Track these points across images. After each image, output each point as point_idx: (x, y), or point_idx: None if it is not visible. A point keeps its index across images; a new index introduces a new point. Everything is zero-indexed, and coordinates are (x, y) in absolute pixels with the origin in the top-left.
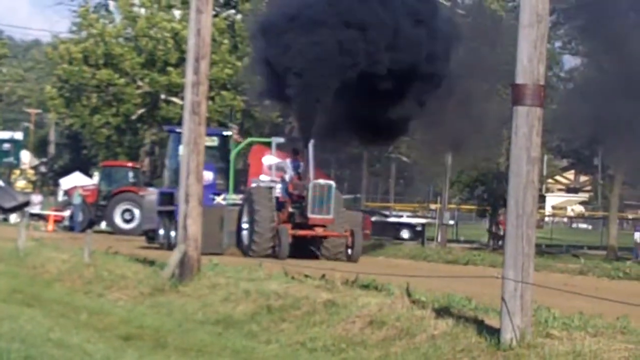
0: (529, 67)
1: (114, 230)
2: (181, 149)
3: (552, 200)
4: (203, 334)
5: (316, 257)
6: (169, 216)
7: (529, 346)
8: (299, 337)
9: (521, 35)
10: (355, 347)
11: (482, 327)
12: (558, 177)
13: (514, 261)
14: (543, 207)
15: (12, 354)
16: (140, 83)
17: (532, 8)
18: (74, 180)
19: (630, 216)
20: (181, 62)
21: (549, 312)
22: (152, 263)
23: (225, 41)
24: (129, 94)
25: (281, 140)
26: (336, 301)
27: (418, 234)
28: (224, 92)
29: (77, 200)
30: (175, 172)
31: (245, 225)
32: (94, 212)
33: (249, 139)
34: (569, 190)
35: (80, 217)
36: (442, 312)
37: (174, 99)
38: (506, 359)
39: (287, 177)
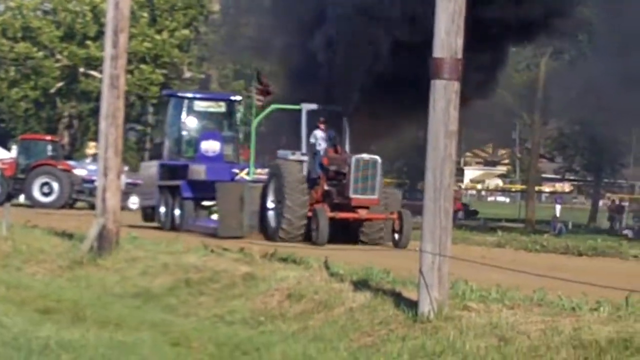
0: (446, 41)
1: (33, 204)
2: (184, 115)
3: (470, 173)
4: (121, 308)
5: (355, 242)
6: (172, 192)
7: (447, 318)
8: (218, 311)
9: (439, 8)
10: (273, 320)
11: (400, 300)
12: (476, 151)
13: (432, 234)
14: (461, 181)
15: None
16: (59, 56)
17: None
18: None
19: (547, 189)
20: (100, 35)
21: (466, 284)
22: (70, 236)
23: (145, 14)
24: (48, 67)
25: (313, 106)
26: (255, 274)
27: None
28: (143, 66)
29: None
30: (177, 142)
31: (271, 205)
32: (12, 186)
33: (273, 106)
34: (487, 163)
35: (6, 191)
36: (361, 285)
37: (93, 73)
38: (424, 331)
39: (321, 150)
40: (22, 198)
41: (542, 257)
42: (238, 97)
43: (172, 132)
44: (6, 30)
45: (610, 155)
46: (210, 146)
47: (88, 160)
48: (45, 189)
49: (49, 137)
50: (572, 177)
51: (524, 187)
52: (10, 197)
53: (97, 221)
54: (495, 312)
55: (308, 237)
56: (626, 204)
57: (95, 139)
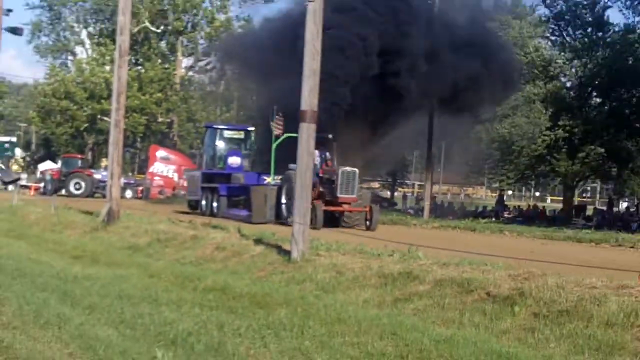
0: (308, 100)
1: (69, 195)
2: (216, 140)
3: None
4: (120, 255)
5: (337, 226)
6: (212, 191)
7: (307, 261)
8: (176, 256)
9: (304, 82)
10: (208, 262)
11: (281, 250)
12: None
13: (299, 213)
14: None
15: (8, 267)
16: (85, 109)
17: (309, 65)
18: (46, 165)
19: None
20: (109, 96)
21: (319, 241)
22: (91, 214)
23: (135, 84)
24: (79, 115)
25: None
26: (198, 235)
27: None
28: (134, 114)
29: (48, 177)
30: (212, 157)
31: (284, 201)
32: (58, 184)
33: (286, 135)
34: None
35: (49, 187)
36: (258, 241)
37: (105, 118)
38: (294, 268)
39: (317, 164)
40: (63, 191)
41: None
42: (252, 128)
43: (208, 151)
44: (55, 93)
45: (401, 166)
46: (234, 160)
47: (102, 169)
48: (77, 186)
49: (79, 156)
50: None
51: None
52: (56, 191)
53: (106, 205)
54: (334, 257)
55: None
56: (409, 194)
57: (106, 157)
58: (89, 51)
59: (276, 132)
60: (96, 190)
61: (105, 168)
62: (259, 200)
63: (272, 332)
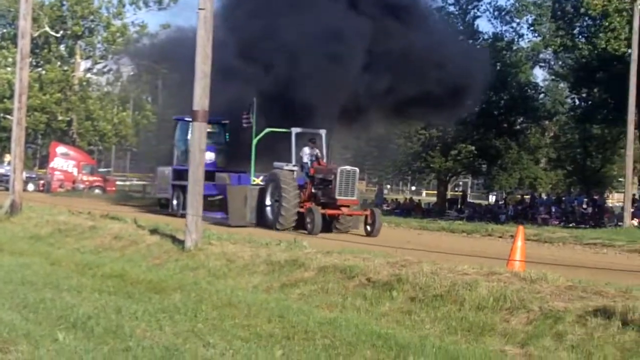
0: (199, 102)
1: None
2: (188, 134)
3: None
4: (23, 244)
5: (329, 231)
6: (183, 189)
7: (200, 249)
8: (76, 245)
9: (197, 84)
10: (106, 250)
11: (175, 240)
12: None
13: (192, 205)
14: None
15: None
16: None
17: (200, 68)
18: None
19: None
20: (12, 96)
21: (210, 232)
22: None
23: (36, 85)
24: None
25: (299, 130)
26: (96, 226)
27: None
28: (35, 113)
29: None
30: (184, 153)
31: (269, 203)
32: None
33: (268, 129)
34: None
35: None
36: (154, 231)
37: (8, 117)
38: (187, 256)
39: (309, 162)
40: None
41: None
42: (226, 121)
43: (179, 146)
44: None
45: None
46: (207, 156)
47: (5, 164)
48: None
49: None
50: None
51: None
52: None
53: (10, 197)
54: (225, 246)
55: (296, 227)
56: None
57: (9, 153)
58: None
59: (245, 124)
60: (0, 184)
61: (9, 163)
62: (238, 202)
63: (167, 316)
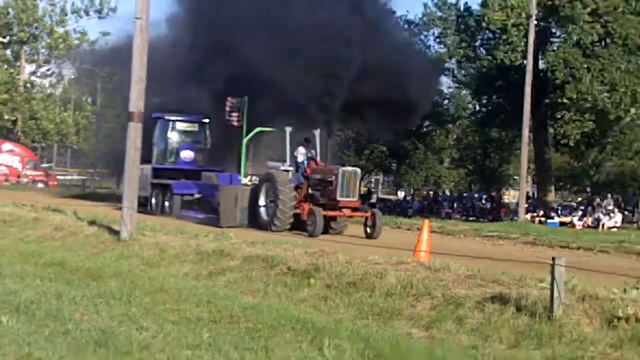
0: (135, 103)
1: None
2: (168, 132)
3: None
4: None
5: (325, 233)
6: (163, 188)
7: (134, 240)
8: (19, 235)
9: (133, 87)
10: (48, 240)
11: (112, 231)
12: None
13: (128, 199)
14: None
15: None
16: None
17: (137, 73)
18: None
19: None
20: None
21: (145, 223)
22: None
23: None
24: None
25: (290, 129)
26: (39, 217)
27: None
28: None
29: None
30: (163, 151)
31: (263, 203)
32: None
33: (258, 129)
34: None
35: None
36: (92, 223)
37: None
38: (123, 246)
39: (305, 162)
40: None
41: None
42: (207, 120)
43: (159, 144)
44: None
45: None
46: (187, 154)
47: None
48: None
49: None
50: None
51: None
52: None
53: None
54: (158, 236)
55: (292, 229)
56: None
57: None
58: None
59: (235, 124)
60: None
61: None
62: (229, 202)
63: (104, 301)
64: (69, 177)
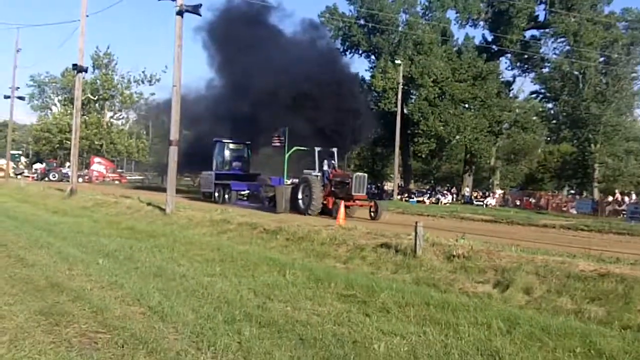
0: (173, 134)
1: (49, 181)
2: (224, 150)
3: None
4: (78, 211)
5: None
6: (224, 186)
7: (174, 214)
8: (107, 211)
9: (172, 125)
10: (123, 214)
11: (160, 209)
12: None
13: (169, 189)
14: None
15: (19, 217)
16: (58, 136)
17: (174, 116)
18: (37, 165)
19: None
20: (70, 131)
21: (181, 204)
22: (62, 190)
23: (83, 125)
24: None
25: (320, 148)
26: (118, 201)
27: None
28: (82, 140)
29: (38, 171)
30: (221, 162)
31: (300, 197)
32: (43, 175)
33: (295, 148)
34: None
35: (39, 177)
36: (149, 204)
37: (68, 142)
38: (167, 217)
39: (328, 170)
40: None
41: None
42: (249, 142)
43: (217, 158)
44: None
45: None
46: (236, 164)
47: (67, 167)
48: (53, 176)
49: (54, 160)
50: None
51: None
52: (42, 179)
53: (70, 186)
54: (188, 212)
55: (321, 214)
56: None
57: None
58: (59, 108)
59: (278, 145)
60: (63, 178)
61: (68, 167)
62: (279, 196)
63: (157, 250)
64: (133, 178)
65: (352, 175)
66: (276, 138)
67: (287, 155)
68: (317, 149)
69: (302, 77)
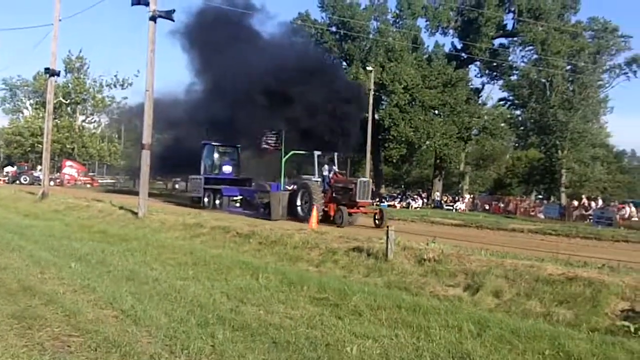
0: (145, 138)
1: (21, 184)
2: (214, 153)
3: None
4: (50, 214)
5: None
6: (214, 191)
7: (146, 217)
8: (78, 215)
9: (144, 129)
10: (95, 218)
11: (133, 212)
12: None
13: (141, 192)
14: None
15: None
16: (29, 140)
17: (146, 120)
18: (8, 168)
19: None
20: (42, 134)
21: (155, 209)
22: (33, 194)
23: (55, 128)
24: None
25: (319, 152)
26: (89, 205)
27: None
28: (54, 144)
29: (9, 174)
30: (210, 166)
31: (299, 204)
32: (14, 178)
33: (292, 152)
34: None
35: (10, 180)
36: (121, 207)
37: (40, 145)
38: (139, 221)
39: (328, 175)
40: (17, 182)
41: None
42: (239, 145)
43: (206, 161)
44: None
45: None
46: (227, 168)
47: (38, 171)
48: (25, 180)
49: (25, 163)
50: None
51: None
52: (14, 182)
53: (41, 189)
54: (161, 216)
55: (321, 221)
56: None
57: (40, 164)
58: (31, 111)
59: (270, 149)
60: (35, 181)
61: (40, 170)
62: (276, 202)
63: (130, 253)
64: (105, 181)
65: (356, 180)
66: (271, 141)
67: (284, 159)
68: (316, 153)
69: (297, 78)
